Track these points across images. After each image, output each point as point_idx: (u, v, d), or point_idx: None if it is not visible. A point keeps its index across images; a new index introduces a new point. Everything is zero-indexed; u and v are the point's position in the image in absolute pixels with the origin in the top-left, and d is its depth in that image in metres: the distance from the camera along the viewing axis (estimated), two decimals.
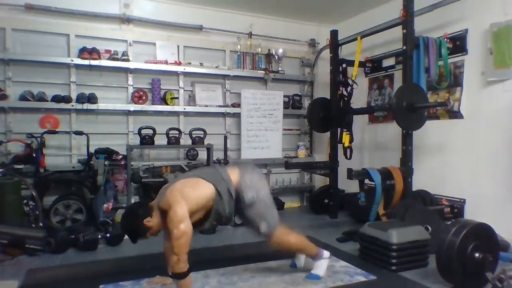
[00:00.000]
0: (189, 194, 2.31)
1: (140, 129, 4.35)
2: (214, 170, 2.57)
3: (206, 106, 5.00)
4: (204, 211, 2.42)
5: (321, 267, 2.70)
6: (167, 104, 4.78)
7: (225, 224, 2.63)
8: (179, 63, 4.87)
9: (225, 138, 4.98)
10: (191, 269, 2.21)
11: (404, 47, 3.74)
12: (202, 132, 4.68)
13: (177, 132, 4.56)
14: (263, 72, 5.38)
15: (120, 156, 4.15)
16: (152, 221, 2.30)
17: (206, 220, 2.47)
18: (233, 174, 2.51)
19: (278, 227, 2.53)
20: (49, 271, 2.92)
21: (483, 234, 2.56)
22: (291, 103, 5.60)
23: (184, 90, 5.00)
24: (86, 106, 4.34)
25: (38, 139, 4.02)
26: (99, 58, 4.44)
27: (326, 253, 2.72)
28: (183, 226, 2.14)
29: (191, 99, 5.00)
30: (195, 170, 2.90)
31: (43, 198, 3.85)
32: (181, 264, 2.14)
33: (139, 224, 2.28)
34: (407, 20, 3.71)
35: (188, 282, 2.20)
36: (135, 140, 4.62)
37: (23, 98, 4.14)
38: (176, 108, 4.86)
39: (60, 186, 4.12)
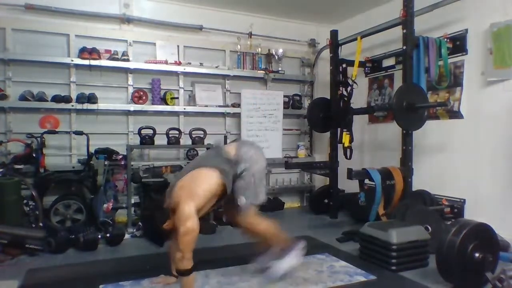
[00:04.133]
0: (196, 190, 2.31)
1: (140, 129, 4.35)
2: (213, 154, 2.58)
3: (206, 106, 5.00)
4: (217, 197, 2.43)
5: (288, 259, 2.54)
6: (167, 104, 4.78)
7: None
8: (179, 63, 4.87)
9: (225, 138, 4.99)
10: (195, 268, 2.22)
11: (404, 47, 3.74)
12: (202, 132, 4.68)
13: (177, 132, 4.56)
14: (263, 72, 5.38)
15: (120, 156, 4.16)
16: (171, 222, 2.29)
17: (221, 200, 2.50)
18: (231, 150, 2.53)
19: (254, 207, 2.48)
20: (49, 271, 2.92)
21: (483, 234, 2.56)
22: (291, 103, 5.60)
23: (184, 90, 5.00)
24: (86, 106, 4.34)
25: (38, 139, 4.02)
26: (99, 58, 4.43)
27: (299, 245, 2.60)
28: (189, 224, 2.14)
29: (191, 99, 5.00)
30: (195, 159, 2.87)
31: (43, 198, 3.84)
32: (185, 262, 2.15)
33: (159, 230, 2.29)
34: (407, 20, 3.71)
35: (192, 280, 2.22)
36: (135, 140, 4.61)
37: (23, 98, 4.14)
38: (176, 108, 4.86)
39: (60, 186, 4.11)
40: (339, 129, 4.59)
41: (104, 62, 4.46)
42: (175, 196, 2.30)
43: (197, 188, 2.32)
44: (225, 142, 4.92)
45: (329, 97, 4.81)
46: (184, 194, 2.28)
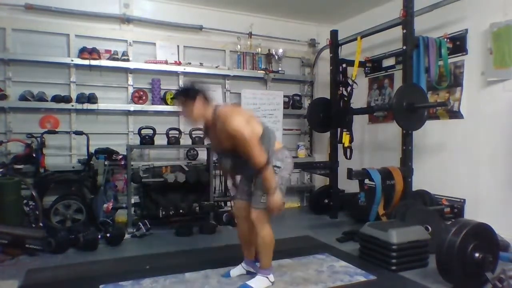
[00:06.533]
0: (246, 120, 2.41)
1: (140, 129, 4.35)
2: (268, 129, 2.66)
3: None
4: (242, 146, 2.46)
5: (259, 282, 2.55)
6: (167, 104, 4.78)
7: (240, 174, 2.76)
8: (179, 63, 4.87)
9: None
10: None
11: (404, 47, 3.74)
12: (202, 132, 4.66)
13: (177, 132, 4.56)
14: (263, 72, 5.38)
15: (120, 156, 4.16)
16: (200, 103, 2.44)
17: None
18: (278, 143, 2.62)
19: (267, 212, 2.49)
20: (49, 271, 2.92)
21: (483, 234, 2.56)
22: (291, 103, 5.60)
23: None
24: (86, 106, 4.34)
25: (38, 139, 4.02)
26: (99, 58, 4.44)
27: (272, 276, 2.61)
28: (246, 132, 2.31)
29: None
30: None
31: (43, 198, 3.85)
32: (262, 155, 2.34)
33: (196, 94, 2.43)
34: (407, 20, 3.71)
35: (271, 168, 2.41)
36: (135, 140, 4.61)
37: (23, 98, 4.14)
38: (176, 108, 4.85)
39: (60, 186, 4.11)
40: (339, 129, 4.60)
41: (104, 62, 4.46)
42: (226, 112, 2.43)
43: (248, 120, 2.43)
44: None
45: (329, 97, 4.81)
46: (235, 112, 2.43)
